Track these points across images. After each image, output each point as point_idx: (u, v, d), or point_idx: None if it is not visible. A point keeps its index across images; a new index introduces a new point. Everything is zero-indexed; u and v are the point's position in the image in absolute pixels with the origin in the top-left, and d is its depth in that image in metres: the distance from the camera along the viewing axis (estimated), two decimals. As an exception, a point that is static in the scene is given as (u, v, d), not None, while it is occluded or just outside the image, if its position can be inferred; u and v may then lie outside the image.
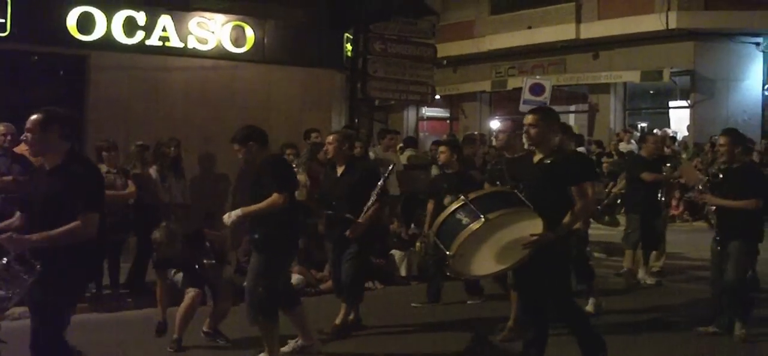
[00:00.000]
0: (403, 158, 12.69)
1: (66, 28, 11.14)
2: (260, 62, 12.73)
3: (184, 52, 12.05)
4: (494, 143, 10.46)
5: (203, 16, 12.18)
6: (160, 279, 7.32)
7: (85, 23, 11.24)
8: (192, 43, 12.08)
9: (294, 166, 8.01)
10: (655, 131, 21.94)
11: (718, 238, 7.48)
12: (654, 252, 10.52)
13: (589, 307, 8.21)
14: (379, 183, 7.45)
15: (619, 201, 10.55)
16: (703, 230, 12.07)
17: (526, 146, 6.03)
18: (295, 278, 9.37)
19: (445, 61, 21.39)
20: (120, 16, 11.46)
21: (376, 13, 13.86)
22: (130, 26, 11.53)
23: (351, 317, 7.67)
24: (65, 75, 12.15)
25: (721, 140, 7.50)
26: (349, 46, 13.95)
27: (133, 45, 11.63)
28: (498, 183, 6.82)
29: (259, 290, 6.12)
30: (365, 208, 7.32)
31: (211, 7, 12.33)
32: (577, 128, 23.77)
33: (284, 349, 6.60)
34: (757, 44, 22.51)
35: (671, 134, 22.15)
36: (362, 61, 13.74)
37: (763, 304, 8.26)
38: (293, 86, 13.10)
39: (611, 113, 24.67)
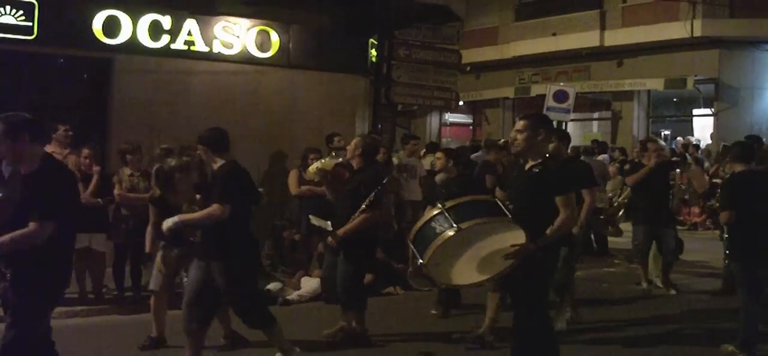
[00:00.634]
0: (426, 163, 12.67)
1: (92, 31, 11.17)
2: (285, 67, 12.75)
3: (209, 57, 12.07)
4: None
5: (228, 21, 12.21)
6: (158, 296, 7.25)
7: (111, 26, 11.29)
8: (217, 48, 12.10)
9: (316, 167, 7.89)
10: (679, 138, 21.83)
11: None
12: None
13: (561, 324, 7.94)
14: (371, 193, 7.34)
15: (621, 211, 10.47)
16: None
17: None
18: (273, 284, 9.59)
19: (468, 67, 21.38)
20: (145, 19, 11.50)
21: (400, 19, 13.90)
22: (155, 30, 11.57)
23: (354, 325, 7.58)
24: (90, 78, 12.23)
25: None
26: (373, 52, 13.95)
27: (158, 49, 11.66)
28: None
29: (238, 300, 6.35)
30: (352, 217, 7.30)
31: (236, 11, 12.38)
32: (600, 135, 23.77)
33: None
34: (782, 53, 22.24)
35: (694, 142, 21.97)
36: (386, 67, 13.80)
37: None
38: (318, 91, 13.12)
39: (635, 121, 24.50)
